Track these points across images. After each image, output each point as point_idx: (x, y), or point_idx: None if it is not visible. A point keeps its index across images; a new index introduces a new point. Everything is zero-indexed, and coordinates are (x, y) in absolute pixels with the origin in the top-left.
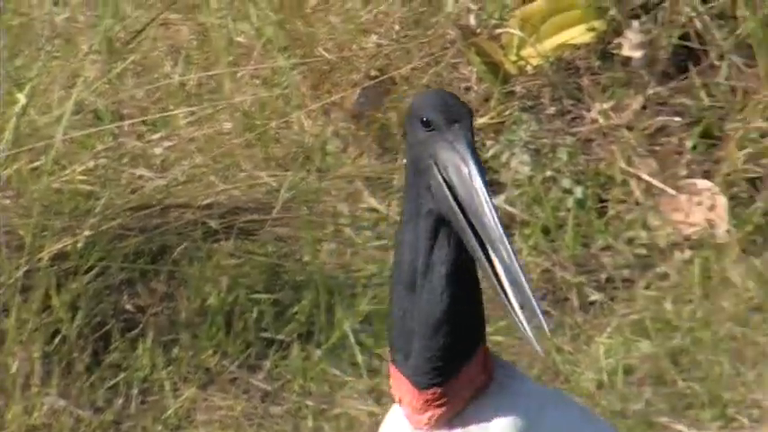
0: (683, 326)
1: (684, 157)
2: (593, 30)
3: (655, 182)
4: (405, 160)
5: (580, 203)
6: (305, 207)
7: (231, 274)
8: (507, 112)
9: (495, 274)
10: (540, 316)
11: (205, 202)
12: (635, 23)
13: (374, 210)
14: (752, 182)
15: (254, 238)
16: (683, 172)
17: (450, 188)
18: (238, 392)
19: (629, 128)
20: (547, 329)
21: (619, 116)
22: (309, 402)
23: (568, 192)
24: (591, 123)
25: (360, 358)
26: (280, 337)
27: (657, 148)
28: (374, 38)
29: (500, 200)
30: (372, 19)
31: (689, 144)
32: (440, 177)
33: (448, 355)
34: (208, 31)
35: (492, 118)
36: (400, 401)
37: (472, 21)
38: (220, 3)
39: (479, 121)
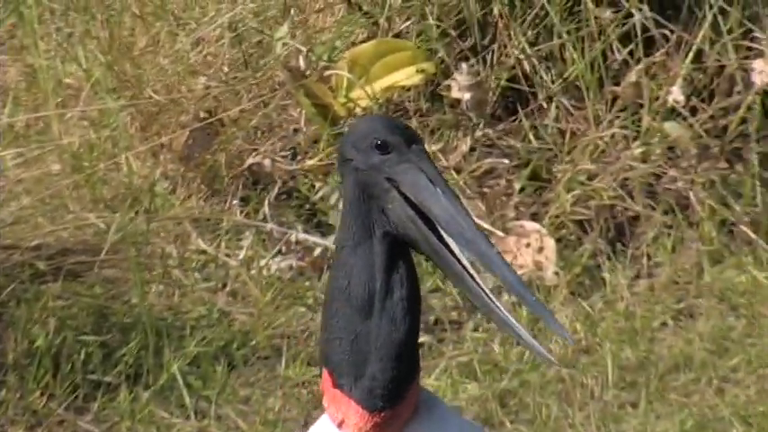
0: (510, 368)
1: (513, 199)
2: (422, 72)
3: (483, 224)
4: (343, 188)
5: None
6: (133, 249)
7: (59, 316)
8: (336, 154)
9: (482, 289)
10: (561, 328)
11: (33, 243)
12: (464, 65)
13: (203, 251)
14: (580, 224)
15: (82, 280)
16: (512, 214)
17: (417, 209)
18: None
19: (458, 170)
20: (571, 341)
21: (447, 158)
22: None
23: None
24: None
25: (188, 400)
26: (107, 379)
27: (486, 189)
28: (203, 79)
29: (329, 242)
30: (201, 60)
31: (517, 186)
32: (401, 200)
33: (402, 377)
34: (36, 72)
35: (321, 160)
36: (341, 424)
37: (301, 63)
38: (48, 44)
39: (308, 163)
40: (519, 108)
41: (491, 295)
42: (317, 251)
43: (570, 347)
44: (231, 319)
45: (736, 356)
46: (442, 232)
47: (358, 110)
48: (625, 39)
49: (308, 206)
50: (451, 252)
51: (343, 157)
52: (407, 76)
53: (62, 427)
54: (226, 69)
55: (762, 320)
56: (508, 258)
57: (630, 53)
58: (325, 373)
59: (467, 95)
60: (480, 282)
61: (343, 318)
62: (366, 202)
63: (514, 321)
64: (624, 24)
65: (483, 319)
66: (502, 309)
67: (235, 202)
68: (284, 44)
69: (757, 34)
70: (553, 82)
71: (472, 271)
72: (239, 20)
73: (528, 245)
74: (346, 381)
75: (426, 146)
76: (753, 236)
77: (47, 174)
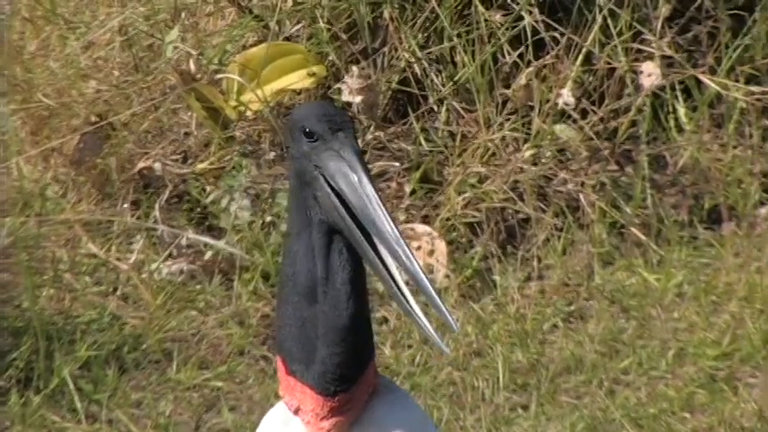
0: (402, 371)
1: (404, 201)
2: (313, 75)
3: None
4: (289, 173)
5: None
6: (24, 252)
7: None
8: (227, 158)
9: (392, 277)
10: (448, 315)
11: None
12: (354, 69)
13: (94, 255)
14: (470, 226)
15: None
16: (403, 217)
17: (340, 196)
18: None
19: None
20: (455, 327)
21: None
22: None
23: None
24: None
25: (79, 404)
26: None
27: None
28: (94, 83)
29: (220, 244)
30: (92, 64)
31: (408, 189)
32: (327, 187)
33: (353, 360)
34: None
35: (212, 163)
36: (297, 411)
37: (192, 66)
38: None
39: (199, 166)
40: (410, 111)
41: (402, 287)
42: (208, 254)
43: (462, 350)
44: (122, 323)
45: (627, 358)
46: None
47: (249, 113)
48: (515, 41)
49: (198, 209)
50: (369, 241)
51: (286, 144)
52: (298, 79)
53: None
54: (116, 73)
55: (652, 322)
56: None
57: (521, 56)
58: (279, 360)
59: (357, 98)
60: (394, 273)
61: (292, 304)
62: (302, 190)
63: (419, 312)
64: (514, 27)
65: (374, 321)
66: (408, 297)
67: (126, 205)
68: (175, 48)
69: (646, 36)
70: (444, 85)
71: (388, 261)
72: (129, 23)
73: (419, 247)
74: (298, 367)
75: None
76: (643, 238)
77: None
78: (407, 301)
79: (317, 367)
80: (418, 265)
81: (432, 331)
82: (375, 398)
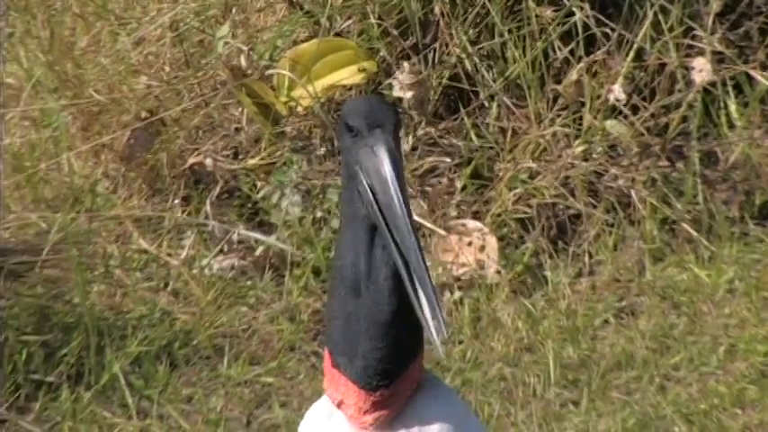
0: (453, 366)
1: (455, 197)
2: (363, 71)
3: (425, 222)
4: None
5: None
6: (75, 248)
7: (1, 316)
8: (278, 153)
9: (409, 275)
10: (441, 318)
11: None
12: (405, 64)
13: (144, 251)
14: (521, 222)
15: (24, 280)
16: (454, 212)
17: (373, 192)
18: None
19: None
20: (445, 332)
21: None
22: None
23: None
24: None
25: (130, 400)
26: (49, 378)
27: (428, 188)
28: (144, 79)
29: (271, 240)
30: (143, 60)
31: (459, 184)
32: (365, 183)
33: (396, 356)
34: None
35: (263, 159)
36: (341, 405)
37: (243, 62)
38: None
39: (249, 162)
40: (460, 106)
41: (417, 286)
42: (259, 250)
43: (512, 346)
44: (173, 318)
45: (678, 354)
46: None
47: (299, 109)
48: (566, 37)
49: (249, 205)
50: (391, 234)
51: (338, 139)
52: (349, 74)
53: (3, 427)
54: (167, 69)
55: (703, 318)
56: (449, 257)
57: (571, 52)
58: (326, 353)
59: (408, 94)
60: (416, 264)
61: (338, 297)
62: (350, 184)
63: (423, 301)
64: (565, 23)
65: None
66: (425, 301)
67: (176, 201)
68: (225, 43)
69: (697, 32)
70: (494, 80)
71: (409, 256)
72: (180, 19)
73: (470, 243)
74: (342, 360)
75: None
76: (694, 234)
77: None
78: (418, 299)
79: (359, 361)
80: (425, 264)
81: (433, 331)
82: (419, 393)
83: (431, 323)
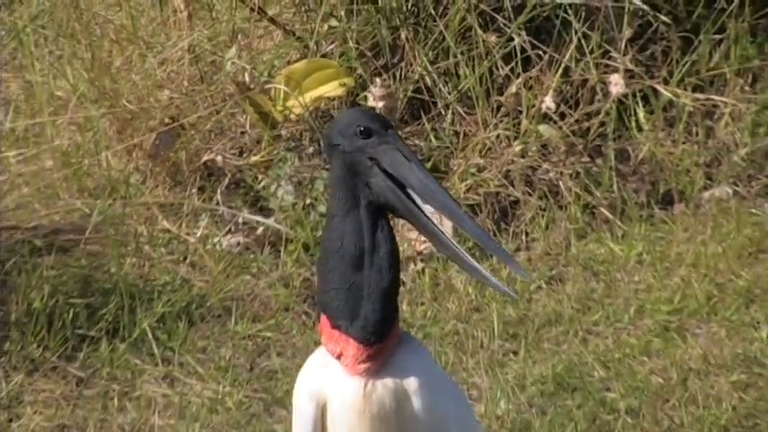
0: (416, 323)
1: None
2: (344, 85)
3: None
4: (331, 168)
5: None
6: (111, 229)
7: (52, 283)
8: (275, 152)
9: (452, 243)
10: (520, 268)
11: (31, 224)
12: (377, 80)
13: (167, 231)
14: (471, 207)
15: (71, 254)
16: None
17: (395, 180)
18: (58, 378)
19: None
20: (530, 278)
21: None
22: (115, 386)
23: (324, 215)
24: None
25: (156, 350)
26: (91, 333)
27: None
28: (167, 92)
29: (269, 222)
30: (166, 77)
31: None
32: (382, 174)
33: (389, 316)
34: (33, 86)
35: (263, 156)
36: (339, 356)
37: (247, 78)
38: (42, 63)
39: (252, 159)
40: (422, 114)
41: (459, 246)
42: (260, 230)
43: (464, 307)
44: (191, 285)
45: (597, 313)
46: (416, 197)
47: (292, 116)
48: (507, 58)
49: (252, 194)
50: (423, 213)
51: (331, 143)
52: (332, 88)
53: (55, 373)
54: (186, 84)
55: (617, 284)
56: (413, 235)
57: (512, 69)
58: (323, 317)
59: (380, 104)
60: (449, 236)
61: (339, 272)
62: (352, 179)
63: (479, 266)
64: (506, 46)
65: None
66: (468, 257)
67: (193, 190)
68: (233, 63)
69: (613, 54)
70: (449, 93)
71: (442, 228)
72: (196, 44)
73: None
74: (343, 322)
75: None
76: (610, 216)
77: (42, 169)
78: (468, 260)
79: (360, 322)
80: (480, 227)
81: (495, 280)
82: (398, 347)
83: (492, 278)
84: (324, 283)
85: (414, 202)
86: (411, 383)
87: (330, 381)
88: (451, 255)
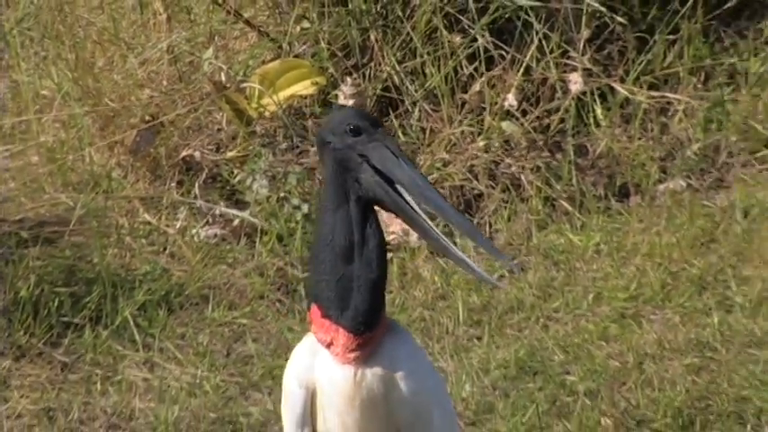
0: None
1: None
2: (316, 84)
3: None
4: (322, 166)
5: (306, 217)
6: (94, 221)
7: (38, 273)
8: (250, 148)
9: (438, 235)
10: (507, 259)
11: (17, 217)
12: (348, 79)
13: (148, 223)
14: None
15: (56, 245)
16: None
17: (383, 176)
18: (43, 364)
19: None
20: (517, 270)
21: None
22: (98, 371)
23: (297, 208)
24: (314, 155)
25: (137, 337)
26: (75, 320)
27: None
28: (147, 91)
29: (245, 214)
30: (146, 76)
31: None
32: (371, 170)
33: (377, 307)
34: (19, 85)
35: (238, 152)
36: (329, 345)
37: (223, 77)
38: (28, 63)
39: (228, 154)
40: (390, 111)
41: (445, 238)
42: (236, 222)
43: (430, 294)
44: (170, 274)
45: (557, 300)
46: (403, 192)
47: (266, 113)
48: (471, 58)
49: (228, 187)
50: (411, 207)
51: (323, 141)
52: (305, 87)
53: (40, 358)
54: (165, 83)
55: (576, 273)
56: (382, 226)
57: (475, 69)
58: (314, 307)
59: (350, 102)
60: (435, 228)
61: (329, 264)
62: (342, 175)
63: (465, 257)
64: (470, 47)
65: None
66: (455, 248)
67: (172, 184)
68: (210, 63)
69: (572, 54)
70: (416, 91)
71: (429, 222)
72: (175, 45)
73: (397, 215)
74: (334, 312)
75: None
76: (569, 208)
77: (28, 164)
78: (455, 251)
79: (350, 312)
80: (466, 219)
81: (481, 271)
82: (386, 335)
83: (478, 269)
84: (315, 274)
85: (402, 196)
86: (399, 370)
87: (320, 368)
88: (439, 247)
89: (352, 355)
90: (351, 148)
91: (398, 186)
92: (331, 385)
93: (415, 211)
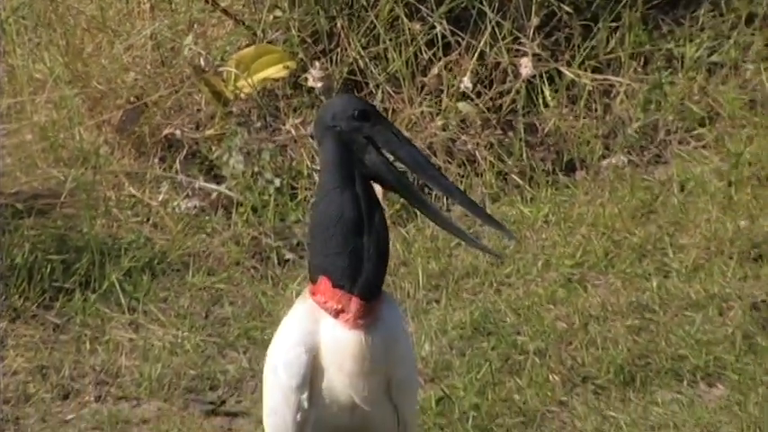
0: None
1: None
2: (287, 68)
3: None
4: (323, 149)
5: (278, 190)
6: (84, 194)
7: (32, 242)
8: (227, 126)
9: (439, 211)
10: (506, 230)
11: (13, 190)
12: (317, 63)
13: (133, 195)
14: None
15: (48, 216)
16: None
17: (387, 156)
18: (37, 325)
19: (311, 136)
20: (513, 239)
21: (305, 129)
22: (87, 332)
23: (270, 182)
24: (286, 134)
25: (123, 300)
26: (66, 285)
27: None
28: (132, 74)
29: (222, 188)
30: (131, 61)
31: None
32: (376, 151)
33: (384, 275)
34: (15, 69)
35: (216, 130)
36: (339, 313)
37: (202, 62)
38: (23, 49)
39: (207, 132)
40: (356, 93)
41: (442, 212)
42: (214, 195)
43: (392, 261)
44: (153, 243)
45: (509, 267)
46: (407, 170)
47: (242, 95)
48: (430, 44)
49: (207, 163)
50: (413, 185)
51: (325, 125)
52: (277, 71)
53: (34, 320)
54: (149, 67)
55: (526, 241)
56: None
57: (434, 54)
58: (322, 279)
59: (319, 84)
60: (435, 206)
61: (341, 238)
62: (346, 156)
63: (466, 231)
64: (429, 33)
65: None
66: (455, 224)
67: (155, 160)
68: (190, 49)
69: (522, 40)
70: (380, 74)
71: (430, 199)
72: (158, 32)
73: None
74: (346, 282)
75: (289, 119)
76: (520, 182)
77: (22, 142)
78: (454, 226)
79: (362, 281)
80: (468, 197)
81: (482, 244)
82: (382, 303)
83: (480, 244)
84: (324, 249)
85: (404, 175)
86: (396, 333)
87: (326, 333)
88: (440, 223)
89: (362, 321)
90: (357, 131)
91: (403, 166)
92: (342, 348)
93: (417, 190)
